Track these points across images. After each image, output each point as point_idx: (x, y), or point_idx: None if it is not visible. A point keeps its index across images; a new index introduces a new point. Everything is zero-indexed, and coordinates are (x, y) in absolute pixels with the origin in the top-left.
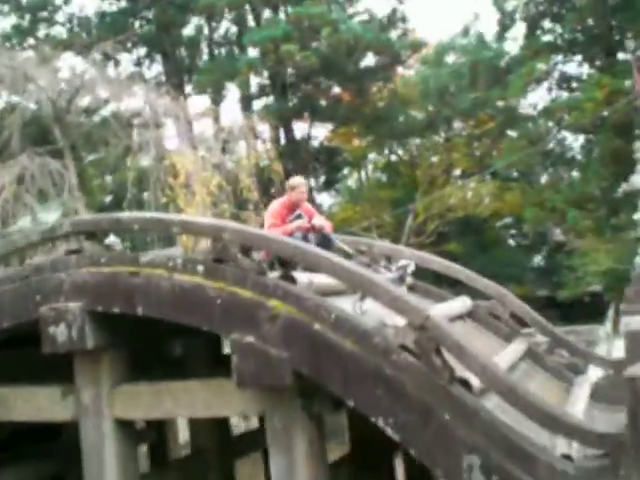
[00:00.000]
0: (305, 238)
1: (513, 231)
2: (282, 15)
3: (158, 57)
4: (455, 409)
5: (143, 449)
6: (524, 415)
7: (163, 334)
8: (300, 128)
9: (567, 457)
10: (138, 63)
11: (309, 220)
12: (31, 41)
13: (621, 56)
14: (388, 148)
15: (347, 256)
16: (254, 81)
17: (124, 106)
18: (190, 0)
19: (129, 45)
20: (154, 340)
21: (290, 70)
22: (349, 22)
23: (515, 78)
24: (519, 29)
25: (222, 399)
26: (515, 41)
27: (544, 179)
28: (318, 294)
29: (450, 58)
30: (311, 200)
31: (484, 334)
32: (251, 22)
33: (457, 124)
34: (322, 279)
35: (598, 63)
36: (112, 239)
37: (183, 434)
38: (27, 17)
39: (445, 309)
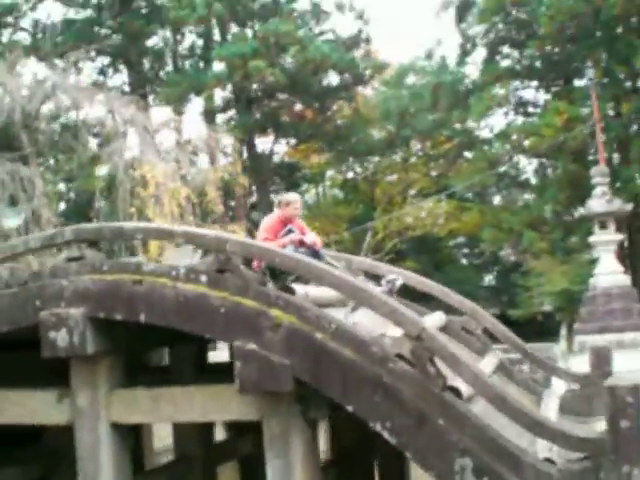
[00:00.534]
0: (296, 252)
1: (466, 250)
2: (249, 31)
3: (122, 67)
4: (448, 415)
5: None
6: (511, 420)
7: (153, 342)
8: (262, 142)
9: (549, 460)
10: (102, 72)
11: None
12: None
13: (577, 82)
14: (347, 166)
15: None
16: (218, 95)
17: (87, 114)
18: (157, 12)
19: (93, 54)
20: (144, 348)
21: (255, 85)
22: (316, 41)
23: (476, 102)
24: (480, 54)
25: (220, 405)
26: (476, 65)
27: (497, 200)
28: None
29: (411, 80)
30: None
31: (458, 348)
32: (217, 36)
33: (415, 145)
34: (315, 291)
35: (555, 89)
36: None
37: (162, 441)
38: None
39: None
